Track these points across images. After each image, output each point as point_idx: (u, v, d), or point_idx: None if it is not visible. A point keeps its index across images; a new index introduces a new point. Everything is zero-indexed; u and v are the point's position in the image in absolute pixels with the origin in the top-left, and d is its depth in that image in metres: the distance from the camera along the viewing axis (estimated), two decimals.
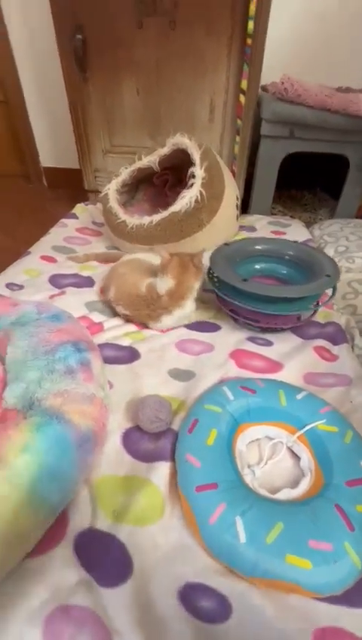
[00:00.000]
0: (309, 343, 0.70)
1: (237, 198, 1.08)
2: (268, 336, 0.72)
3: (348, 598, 0.37)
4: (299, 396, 0.54)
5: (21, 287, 0.84)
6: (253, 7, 0.94)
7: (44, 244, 1.03)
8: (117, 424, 0.53)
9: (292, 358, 0.66)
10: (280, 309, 0.66)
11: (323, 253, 0.79)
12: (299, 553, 0.36)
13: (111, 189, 0.97)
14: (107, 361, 0.64)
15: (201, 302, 0.77)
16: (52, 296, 0.80)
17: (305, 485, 0.45)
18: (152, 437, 0.52)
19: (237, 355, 0.67)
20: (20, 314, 0.59)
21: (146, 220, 0.91)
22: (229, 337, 0.71)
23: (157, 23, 1.02)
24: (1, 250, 1.22)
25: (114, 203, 0.96)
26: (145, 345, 0.69)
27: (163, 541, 0.41)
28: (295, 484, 0.46)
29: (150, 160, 0.96)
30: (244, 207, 1.29)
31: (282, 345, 0.70)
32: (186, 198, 0.88)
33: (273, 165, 1.19)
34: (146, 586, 0.38)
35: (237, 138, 1.15)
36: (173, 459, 0.48)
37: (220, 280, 0.70)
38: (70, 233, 1.11)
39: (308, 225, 1.24)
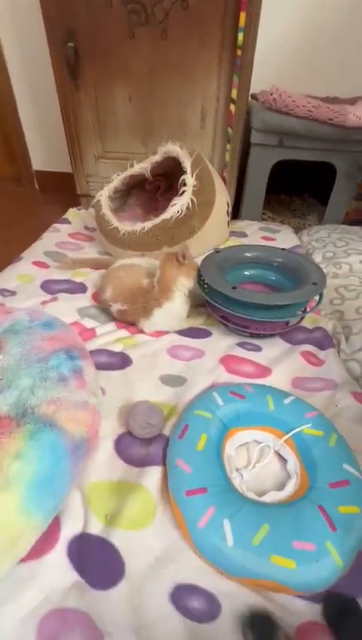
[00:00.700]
0: (297, 348, 0.72)
1: (228, 205, 1.10)
2: (257, 342, 0.74)
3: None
4: (286, 401, 0.56)
5: (13, 293, 0.84)
6: (242, 19, 0.96)
7: (36, 250, 1.03)
8: (110, 430, 0.55)
9: (281, 363, 0.68)
10: (268, 316, 0.68)
11: (311, 261, 0.82)
12: (284, 554, 0.38)
13: (104, 195, 0.98)
14: (99, 367, 0.65)
15: (192, 308, 0.79)
16: (44, 302, 0.81)
17: (290, 488, 0.47)
18: (144, 442, 0.53)
19: (227, 361, 0.68)
20: (13, 321, 0.60)
21: (138, 226, 0.92)
22: (219, 343, 0.73)
23: (149, 33, 1.03)
24: None
25: (106, 210, 0.97)
26: (137, 351, 0.70)
27: (154, 544, 0.43)
28: (281, 486, 0.48)
29: (142, 167, 0.98)
30: (235, 213, 1.31)
31: (270, 350, 0.72)
32: (177, 206, 0.90)
33: (263, 172, 1.22)
34: (138, 588, 0.39)
35: (228, 146, 1.17)
36: (164, 464, 0.49)
37: (210, 287, 0.72)
38: (62, 238, 1.12)
39: (297, 230, 1.27)
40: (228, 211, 1.09)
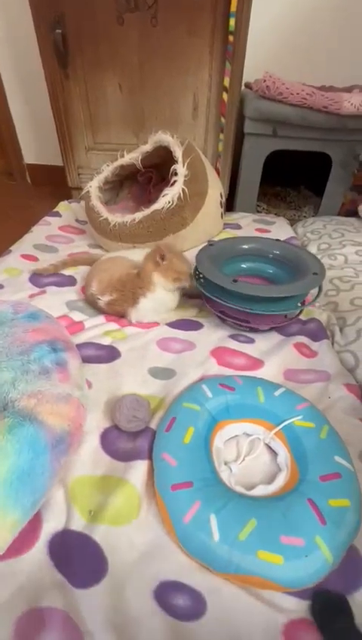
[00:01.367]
0: (290, 339, 0.70)
1: (222, 196, 1.08)
2: (250, 334, 0.72)
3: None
4: (277, 393, 0.54)
5: (1, 286, 0.82)
6: (234, 3, 0.93)
7: (26, 243, 1.01)
8: (95, 424, 0.53)
9: (273, 355, 0.67)
10: (270, 309, 0.66)
11: (308, 252, 0.80)
12: (271, 549, 0.36)
13: (93, 186, 0.96)
14: (87, 360, 0.63)
15: (183, 299, 0.77)
16: (32, 296, 0.79)
17: (280, 481, 0.46)
18: (130, 436, 0.51)
19: (219, 353, 0.67)
20: None
21: (129, 218, 0.90)
22: (211, 335, 0.71)
23: (139, 19, 1.01)
24: None
25: (96, 201, 0.95)
26: (126, 343, 0.68)
27: (139, 540, 0.41)
28: (272, 479, 0.47)
29: (132, 157, 0.96)
30: (229, 206, 1.29)
31: (263, 342, 0.70)
32: (168, 196, 0.88)
33: (257, 163, 1.19)
34: (121, 586, 0.38)
35: (221, 136, 1.15)
36: (150, 458, 0.48)
37: (207, 280, 0.70)
38: (53, 231, 1.10)
39: (293, 222, 1.25)
40: (221, 203, 1.07)
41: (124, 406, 0.51)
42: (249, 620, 0.36)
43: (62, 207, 1.25)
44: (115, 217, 0.92)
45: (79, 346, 0.64)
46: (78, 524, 0.42)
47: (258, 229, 1.14)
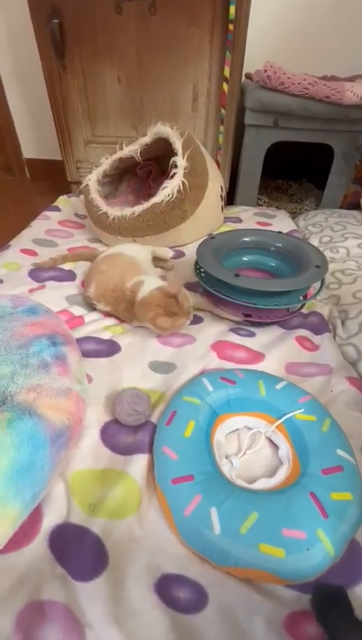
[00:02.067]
0: (291, 333, 0.70)
1: (222, 189, 1.06)
2: (251, 328, 0.71)
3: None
4: (279, 386, 0.54)
5: (0, 281, 0.82)
6: None
7: (25, 237, 1.00)
8: (95, 418, 0.53)
9: (274, 349, 0.66)
10: (273, 303, 0.65)
11: (310, 244, 0.79)
12: (273, 542, 0.36)
13: (92, 179, 0.95)
14: (87, 354, 0.63)
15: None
16: (31, 290, 0.78)
17: (282, 474, 0.45)
18: (131, 430, 0.51)
19: (219, 347, 0.66)
20: None
21: (128, 211, 0.89)
22: (211, 329, 0.71)
23: (137, 8, 0.99)
24: None
25: (95, 194, 0.94)
26: (126, 338, 0.68)
27: (139, 534, 0.41)
28: (273, 473, 0.46)
29: (131, 149, 0.94)
30: (230, 199, 1.28)
31: (264, 336, 0.70)
32: (168, 189, 0.86)
33: (258, 155, 1.18)
34: (122, 579, 0.38)
35: (221, 128, 1.13)
36: (151, 451, 0.48)
37: (208, 274, 0.69)
38: (52, 226, 1.09)
39: (294, 215, 1.24)
40: (222, 196, 1.06)
41: (124, 400, 0.51)
42: (250, 612, 0.36)
43: (62, 201, 1.24)
44: (114, 211, 0.91)
45: (79, 341, 0.64)
46: (79, 517, 0.42)
47: (259, 223, 1.13)
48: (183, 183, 0.86)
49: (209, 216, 1.02)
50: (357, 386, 0.58)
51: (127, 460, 0.47)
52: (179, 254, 0.96)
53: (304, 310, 0.75)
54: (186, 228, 0.94)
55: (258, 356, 0.65)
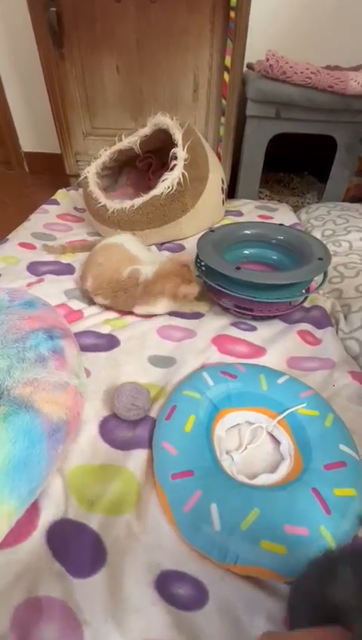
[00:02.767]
0: (293, 327, 0.69)
1: (223, 182, 1.05)
2: (252, 322, 0.70)
3: None
4: (280, 380, 0.53)
5: None
6: None
7: (23, 231, 0.99)
8: (94, 412, 0.52)
9: (276, 343, 0.65)
10: (274, 296, 0.64)
11: (312, 236, 0.77)
12: (274, 539, 0.35)
13: (91, 171, 0.93)
14: (85, 348, 0.62)
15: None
16: (29, 284, 0.77)
17: (283, 470, 0.45)
18: (130, 425, 0.50)
19: (220, 341, 0.65)
20: None
21: (127, 204, 0.88)
22: (212, 323, 0.70)
23: None
24: None
25: (94, 187, 0.92)
26: (126, 332, 0.67)
27: (138, 529, 0.40)
28: (274, 469, 0.46)
29: (130, 141, 0.92)
30: (231, 192, 1.26)
31: (266, 330, 0.69)
32: (168, 181, 0.85)
33: (260, 147, 1.16)
34: (120, 575, 0.37)
35: (222, 119, 1.11)
36: (150, 446, 0.47)
37: (209, 268, 0.67)
38: (50, 219, 1.08)
39: (296, 209, 1.22)
40: (223, 189, 1.04)
41: (123, 394, 0.50)
42: (251, 609, 0.35)
43: (61, 195, 1.22)
44: (114, 204, 0.90)
45: (78, 335, 0.63)
46: (77, 513, 0.41)
47: (260, 216, 1.11)
48: (183, 175, 0.85)
49: (209, 209, 1.00)
50: (360, 380, 0.57)
51: (126, 455, 0.47)
52: (180, 248, 0.95)
53: (306, 304, 0.74)
54: (186, 221, 0.93)
55: (259, 350, 0.64)
